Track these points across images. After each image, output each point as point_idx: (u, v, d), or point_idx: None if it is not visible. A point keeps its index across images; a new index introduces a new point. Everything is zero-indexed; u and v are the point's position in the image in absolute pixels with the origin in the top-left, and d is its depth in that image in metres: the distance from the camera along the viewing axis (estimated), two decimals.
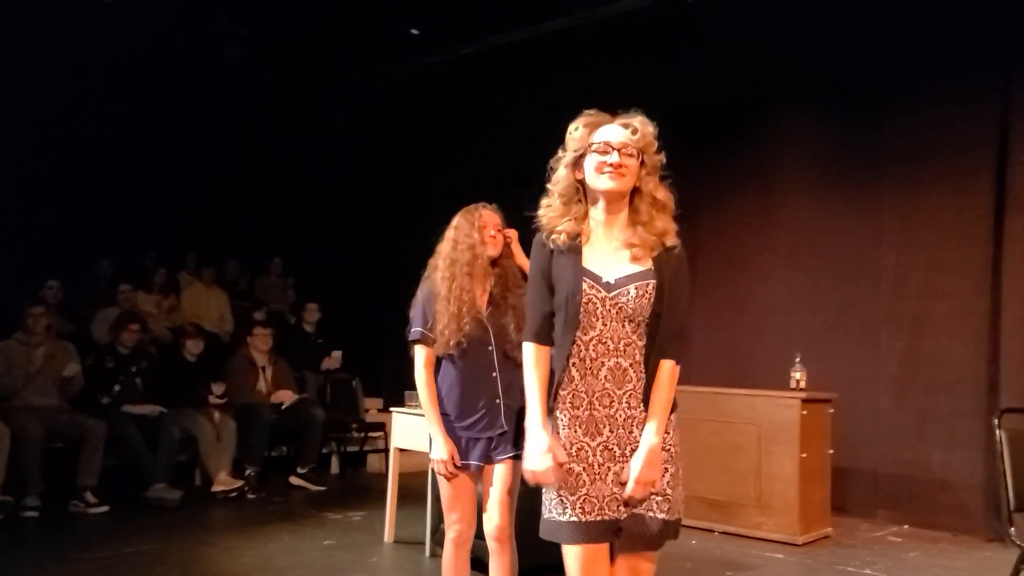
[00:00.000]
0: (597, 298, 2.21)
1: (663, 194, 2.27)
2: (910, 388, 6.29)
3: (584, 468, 2.22)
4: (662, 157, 2.30)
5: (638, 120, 2.30)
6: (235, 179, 9.20)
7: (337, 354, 8.15)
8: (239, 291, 9.14)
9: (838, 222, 6.71)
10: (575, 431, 2.23)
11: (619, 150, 2.22)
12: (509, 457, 3.05)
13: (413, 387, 5.23)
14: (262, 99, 9.31)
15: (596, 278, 2.22)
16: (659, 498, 2.22)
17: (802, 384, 5.66)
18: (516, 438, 3.02)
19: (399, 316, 10.15)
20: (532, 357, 2.27)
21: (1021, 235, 5.91)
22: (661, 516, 2.22)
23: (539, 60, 8.37)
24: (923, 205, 6.33)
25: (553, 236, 2.28)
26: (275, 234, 9.48)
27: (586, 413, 2.23)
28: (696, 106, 7.25)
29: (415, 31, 8.65)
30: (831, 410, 5.80)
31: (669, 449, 2.27)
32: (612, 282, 2.22)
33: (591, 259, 2.25)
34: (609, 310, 2.20)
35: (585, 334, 2.21)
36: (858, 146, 6.64)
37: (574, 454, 2.23)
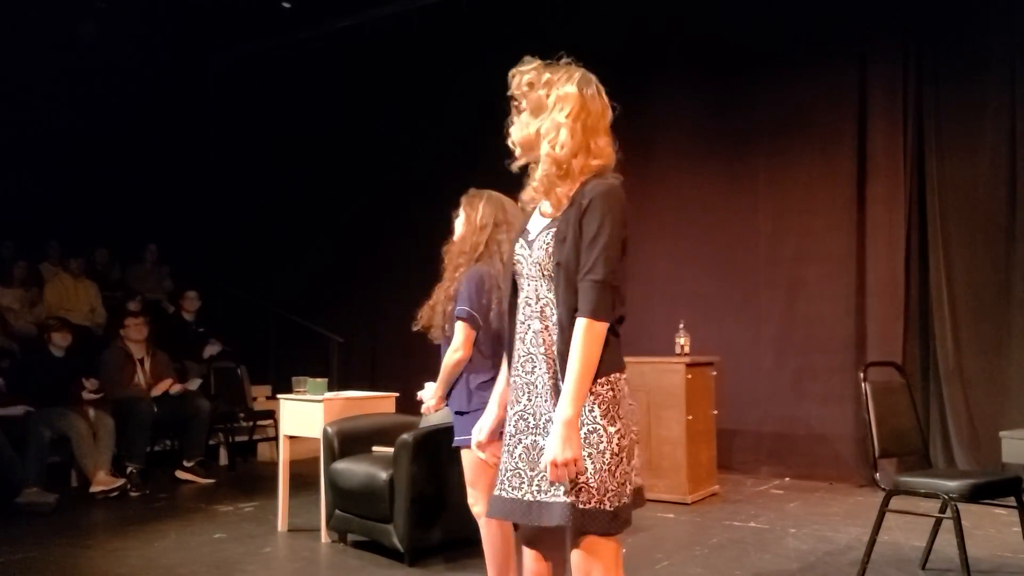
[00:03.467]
0: (523, 257, 2.12)
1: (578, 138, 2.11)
2: (788, 348, 6.61)
3: (506, 439, 2.12)
4: (538, 96, 2.15)
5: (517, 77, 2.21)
6: (99, 162, 8.68)
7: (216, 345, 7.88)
8: (111, 281, 8.68)
9: (717, 192, 6.95)
10: (509, 400, 2.13)
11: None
12: None
13: (301, 372, 5.17)
14: (125, 77, 8.80)
15: (526, 236, 2.15)
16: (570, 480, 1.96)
17: (686, 349, 5.84)
18: None
19: (286, 300, 9.92)
20: None
21: (882, 199, 6.28)
22: (567, 500, 1.95)
23: (416, 34, 8.25)
24: (795, 174, 6.64)
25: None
26: (149, 220, 9.03)
27: (513, 380, 2.12)
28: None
29: (287, 4, 8.37)
30: (714, 373, 6.02)
31: (587, 425, 1.98)
32: (532, 239, 2.12)
33: (533, 220, 2.18)
34: (531, 268, 2.10)
35: (518, 296, 2.14)
36: (733, 119, 6.88)
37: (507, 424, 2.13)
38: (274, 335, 9.07)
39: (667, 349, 5.91)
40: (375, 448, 4.62)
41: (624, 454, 2.00)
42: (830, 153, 6.49)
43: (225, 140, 10.09)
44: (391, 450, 4.27)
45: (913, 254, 6.23)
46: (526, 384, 2.08)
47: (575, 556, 2.01)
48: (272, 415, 7.38)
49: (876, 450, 3.87)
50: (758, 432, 6.66)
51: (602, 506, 1.96)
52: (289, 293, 9.15)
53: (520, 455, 2.06)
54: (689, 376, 5.61)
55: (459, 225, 3.40)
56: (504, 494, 2.07)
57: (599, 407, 1.99)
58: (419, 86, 8.41)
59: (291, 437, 5.06)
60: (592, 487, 1.95)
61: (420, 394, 3.49)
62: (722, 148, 6.93)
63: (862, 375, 3.98)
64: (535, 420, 2.06)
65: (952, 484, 3.59)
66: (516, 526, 2.10)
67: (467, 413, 3.18)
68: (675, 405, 5.55)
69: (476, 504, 3.23)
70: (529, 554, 2.15)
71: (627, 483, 2.01)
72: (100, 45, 8.26)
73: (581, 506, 1.95)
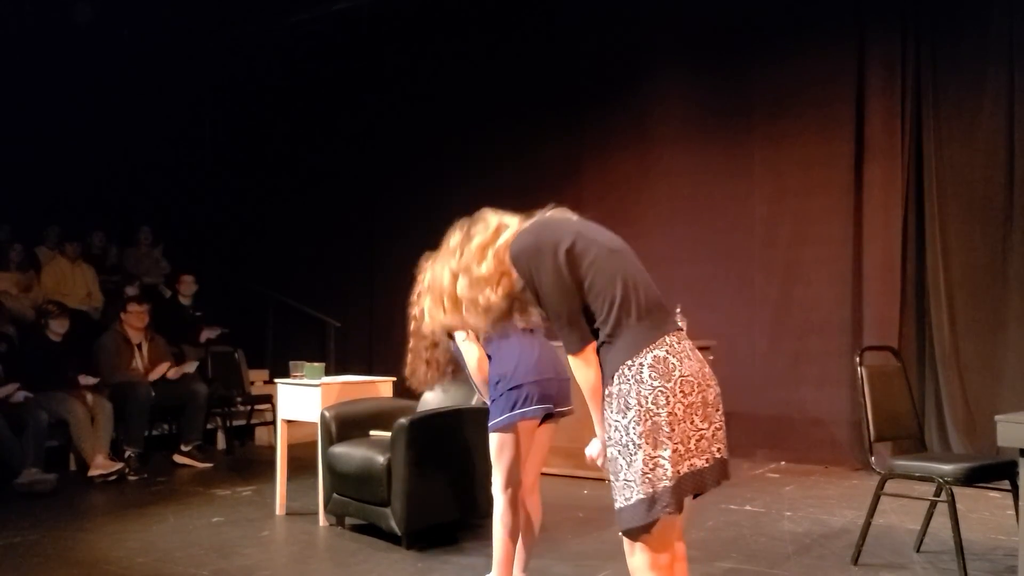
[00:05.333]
0: None
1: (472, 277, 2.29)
2: (784, 332, 6.62)
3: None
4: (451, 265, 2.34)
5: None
6: (95, 146, 8.64)
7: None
8: (108, 265, 8.66)
9: (713, 175, 6.93)
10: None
11: None
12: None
13: (298, 357, 5.17)
14: (120, 60, 8.74)
15: None
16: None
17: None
18: None
19: (283, 285, 9.89)
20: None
21: (879, 182, 6.27)
22: (619, 505, 2.12)
23: (414, 16, 8.19)
24: (791, 157, 6.62)
25: None
26: (143, 203, 9.00)
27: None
28: (576, 64, 7.29)
29: None
30: (711, 357, 6.01)
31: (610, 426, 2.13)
32: None
33: None
34: None
35: None
36: (729, 101, 6.85)
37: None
38: (271, 319, 9.06)
39: None
40: (372, 432, 4.64)
41: (643, 439, 2.04)
42: (827, 136, 6.47)
43: (221, 123, 10.03)
44: (388, 434, 4.28)
45: (910, 238, 6.23)
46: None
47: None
48: (270, 399, 7.39)
49: (872, 434, 3.89)
50: (754, 416, 6.68)
51: (633, 499, 2.05)
52: (286, 277, 9.13)
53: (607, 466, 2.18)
54: None
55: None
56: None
57: (608, 407, 2.12)
58: (417, 69, 8.36)
59: (288, 421, 5.07)
60: (623, 484, 2.07)
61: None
62: (718, 131, 6.91)
63: (858, 359, 3.99)
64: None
65: (947, 468, 3.60)
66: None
67: (500, 396, 3.24)
68: None
69: (511, 488, 3.27)
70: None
71: (658, 467, 2.03)
72: (95, 28, 8.18)
73: (619, 504, 2.08)
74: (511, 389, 3.22)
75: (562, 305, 2.12)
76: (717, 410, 2.17)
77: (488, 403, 3.36)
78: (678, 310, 5.89)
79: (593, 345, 2.14)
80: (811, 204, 6.53)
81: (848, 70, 6.37)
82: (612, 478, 2.09)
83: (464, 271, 2.29)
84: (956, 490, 3.60)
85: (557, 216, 2.29)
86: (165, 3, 8.35)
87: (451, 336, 3.30)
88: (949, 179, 6.07)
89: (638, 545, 2.10)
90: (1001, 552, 4.09)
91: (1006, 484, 3.71)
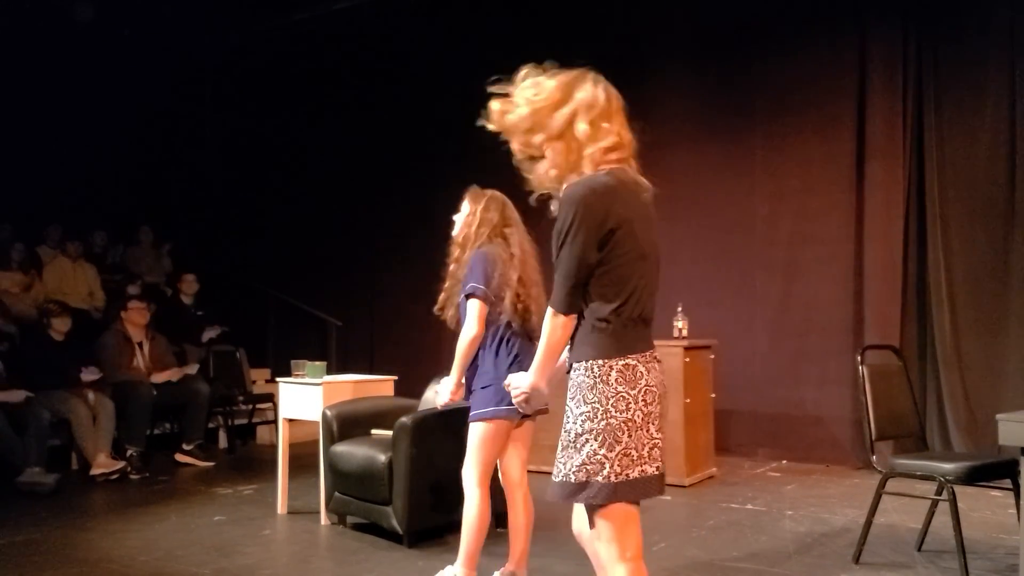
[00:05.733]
0: None
1: (561, 143, 2.24)
2: (785, 331, 6.61)
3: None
4: (519, 118, 2.24)
5: (491, 105, 2.29)
6: (97, 145, 8.64)
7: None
8: (110, 265, 8.66)
9: (714, 173, 6.93)
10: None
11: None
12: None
13: (299, 356, 5.18)
14: (121, 59, 8.74)
15: None
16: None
17: (684, 332, 5.85)
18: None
19: (284, 284, 9.88)
20: None
21: (880, 180, 6.27)
22: (554, 478, 2.19)
23: (415, 14, 8.20)
24: (792, 155, 6.62)
25: None
26: (146, 203, 9.00)
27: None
28: (575, 63, 7.28)
29: None
30: (712, 356, 6.03)
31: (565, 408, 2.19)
32: None
33: None
34: None
35: None
36: (730, 99, 6.85)
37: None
38: (273, 318, 9.07)
39: (665, 332, 5.92)
40: (374, 431, 4.64)
41: (591, 435, 2.11)
42: (828, 134, 6.47)
43: (223, 122, 10.04)
44: (390, 433, 4.28)
45: (911, 236, 6.22)
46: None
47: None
48: (271, 398, 7.39)
49: (873, 433, 3.89)
50: (755, 415, 6.68)
51: (568, 479, 2.14)
52: (288, 276, 9.14)
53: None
54: (687, 359, 5.62)
55: (460, 218, 3.48)
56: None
57: (569, 390, 2.19)
58: (419, 68, 8.36)
59: (290, 420, 5.07)
60: (560, 461, 2.17)
61: (433, 394, 3.53)
62: (719, 129, 6.91)
63: (859, 358, 3.99)
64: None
65: (948, 466, 3.60)
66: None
67: (490, 386, 3.27)
68: (673, 388, 5.55)
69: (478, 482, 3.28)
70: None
71: (605, 464, 2.10)
72: (96, 27, 8.17)
73: (553, 478, 2.18)
74: (490, 387, 3.26)
75: (574, 269, 2.14)
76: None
77: (466, 389, 3.39)
78: (679, 309, 5.91)
79: (574, 318, 2.18)
80: (812, 203, 6.53)
81: (850, 68, 6.37)
82: (558, 451, 2.19)
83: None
84: (957, 489, 3.60)
85: (627, 187, 2.24)
86: (167, 2, 8.35)
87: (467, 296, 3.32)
88: (951, 177, 6.07)
89: (606, 533, 2.17)
90: (1002, 551, 4.09)
91: (1007, 483, 3.72)
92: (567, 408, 2.18)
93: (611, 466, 2.10)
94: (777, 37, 6.66)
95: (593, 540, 2.22)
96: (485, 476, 3.31)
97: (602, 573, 2.23)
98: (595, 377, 2.13)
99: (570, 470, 2.13)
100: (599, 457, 2.10)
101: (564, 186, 2.19)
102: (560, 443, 2.17)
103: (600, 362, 2.13)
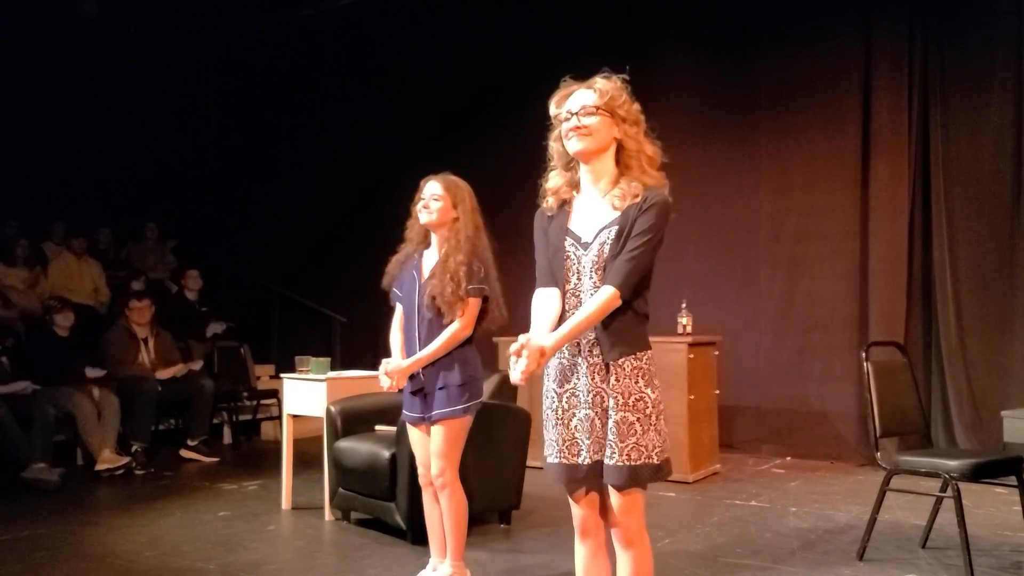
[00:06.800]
0: (575, 255, 2.38)
1: (650, 148, 2.43)
2: (789, 327, 6.60)
3: (552, 413, 2.41)
4: (636, 107, 2.45)
5: (599, 79, 2.45)
6: (101, 142, 8.65)
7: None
8: (114, 261, 8.68)
9: (719, 170, 6.91)
10: (551, 380, 2.43)
11: (577, 113, 2.39)
12: (431, 417, 3.39)
13: (303, 352, 5.18)
14: (126, 56, 8.75)
15: (576, 237, 2.38)
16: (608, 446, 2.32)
17: (688, 329, 5.84)
18: (437, 400, 3.39)
19: (289, 280, 9.88)
20: (535, 299, 2.42)
21: (886, 176, 6.25)
22: (610, 462, 2.30)
23: (417, 12, 8.18)
24: (797, 151, 6.59)
25: (546, 202, 2.50)
26: (149, 198, 9.01)
27: (559, 362, 2.40)
28: (580, 59, 7.26)
29: None
30: (716, 352, 6.02)
31: (634, 394, 2.31)
32: (589, 239, 2.36)
33: (578, 218, 2.41)
34: (584, 265, 2.35)
35: (564, 288, 2.38)
36: (735, 95, 6.83)
37: (549, 401, 2.42)
38: (277, 314, 9.08)
39: (670, 329, 5.92)
40: (378, 427, 4.64)
41: (663, 416, 2.35)
42: (833, 130, 6.44)
43: (226, 118, 10.05)
44: (394, 429, 4.28)
45: (916, 233, 6.20)
46: (572, 366, 2.37)
47: (622, 505, 2.33)
48: (275, 394, 7.41)
49: (877, 429, 3.88)
50: (759, 411, 6.67)
51: (650, 460, 2.30)
52: (292, 272, 9.14)
53: (575, 426, 2.35)
54: (691, 356, 5.61)
55: (445, 207, 3.63)
56: (564, 461, 2.36)
57: (642, 378, 2.32)
58: (421, 63, 8.35)
59: (294, 416, 5.08)
60: (642, 446, 2.29)
61: (385, 370, 3.58)
62: (724, 125, 6.89)
63: (864, 354, 3.99)
64: (584, 396, 2.34)
65: (953, 463, 3.60)
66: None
67: (466, 383, 3.40)
68: (677, 384, 5.55)
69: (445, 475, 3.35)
70: (579, 508, 2.43)
71: (666, 440, 2.35)
72: (102, 24, 8.17)
73: (633, 463, 2.28)
74: (477, 380, 3.43)
75: (648, 265, 2.32)
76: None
77: (442, 378, 3.45)
78: (683, 305, 5.91)
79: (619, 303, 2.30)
80: (817, 199, 6.51)
81: (855, 64, 6.34)
82: (631, 437, 2.32)
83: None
84: (962, 486, 3.59)
85: None
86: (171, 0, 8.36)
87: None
88: (956, 174, 6.04)
89: (639, 506, 2.36)
90: (1007, 548, 4.09)
91: (1012, 480, 3.71)
92: (642, 394, 2.31)
93: (666, 444, 2.36)
94: (782, 33, 6.64)
95: (626, 515, 2.33)
96: (457, 470, 3.41)
97: (629, 548, 2.36)
98: (652, 364, 2.35)
99: (652, 451, 2.30)
100: (664, 436, 2.34)
101: (647, 189, 2.37)
102: (633, 429, 2.29)
103: (650, 352, 2.36)
